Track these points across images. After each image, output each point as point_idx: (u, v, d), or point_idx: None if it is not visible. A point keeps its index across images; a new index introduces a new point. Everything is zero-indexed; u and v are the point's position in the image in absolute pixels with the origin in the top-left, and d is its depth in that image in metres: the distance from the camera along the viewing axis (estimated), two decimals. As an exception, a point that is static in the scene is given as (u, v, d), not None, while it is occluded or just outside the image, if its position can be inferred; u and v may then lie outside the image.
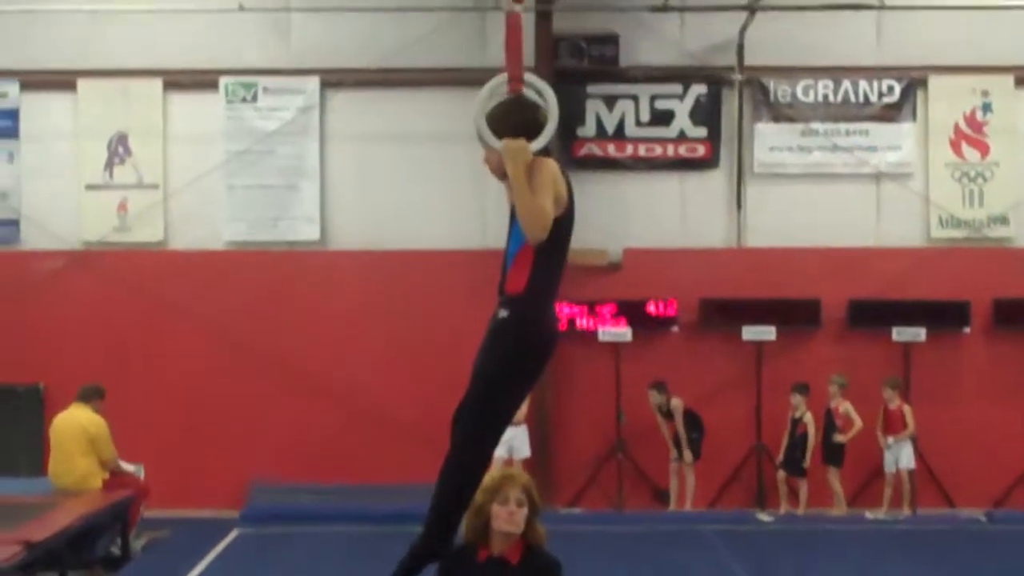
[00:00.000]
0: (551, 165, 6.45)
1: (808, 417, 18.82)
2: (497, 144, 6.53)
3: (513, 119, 6.52)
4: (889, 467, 18.94)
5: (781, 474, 19.03)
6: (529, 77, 6.99)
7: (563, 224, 6.48)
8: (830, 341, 19.82)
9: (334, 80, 19.85)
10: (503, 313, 6.54)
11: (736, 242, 20.09)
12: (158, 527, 16.96)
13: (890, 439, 18.86)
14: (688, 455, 18.86)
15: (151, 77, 19.89)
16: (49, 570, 12.94)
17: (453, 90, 19.28)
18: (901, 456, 18.82)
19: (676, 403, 18.88)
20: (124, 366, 18.95)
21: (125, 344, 19.41)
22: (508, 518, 6.87)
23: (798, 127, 20.07)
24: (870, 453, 19.01)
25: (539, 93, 6.87)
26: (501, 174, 6.52)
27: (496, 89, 6.93)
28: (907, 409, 18.89)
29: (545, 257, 6.44)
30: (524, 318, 6.49)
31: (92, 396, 15.72)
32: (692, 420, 18.97)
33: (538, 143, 6.56)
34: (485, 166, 6.67)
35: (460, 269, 19.15)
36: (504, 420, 6.78)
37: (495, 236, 18.88)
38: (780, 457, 19.09)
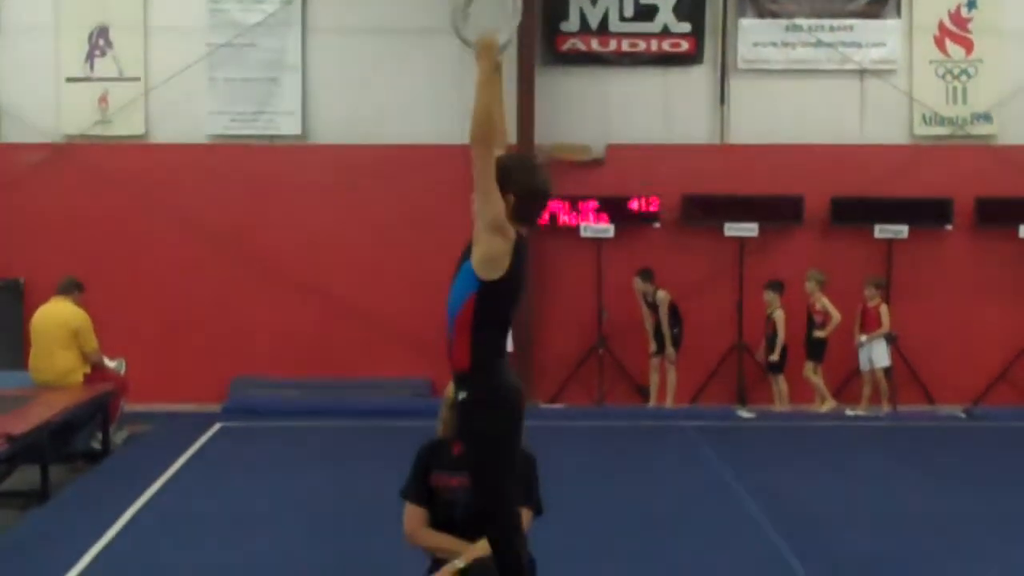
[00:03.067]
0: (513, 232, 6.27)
1: (778, 315, 18.90)
2: (471, 38, 6.46)
3: (521, 181, 6.33)
4: (864, 365, 19.05)
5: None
6: None
7: (505, 288, 6.29)
8: (812, 238, 19.83)
9: (316, -29, 19.74)
10: (461, 395, 6.43)
11: (719, 138, 20.04)
12: (139, 421, 17.02)
13: (863, 337, 18.94)
14: (671, 351, 18.90)
15: (131, -34, 19.76)
16: (30, 463, 12.96)
17: (436, -17, 19.19)
18: (874, 354, 18.92)
19: (663, 295, 18.89)
20: (105, 260, 18.95)
21: (106, 238, 19.39)
22: None
23: (782, 22, 19.98)
24: (852, 351, 19.06)
25: None
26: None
27: None
28: (884, 308, 18.95)
29: (485, 322, 6.27)
30: (482, 401, 6.38)
31: (72, 289, 15.69)
32: (674, 315, 19.00)
33: (504, 33, 6.51)
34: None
35: (442, 164, 19.05)
36: (509, 495, 6.70)
37: (477, 131, 18.85)
38: (760, 354, 19.18)
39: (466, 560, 6.90)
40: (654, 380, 19.23)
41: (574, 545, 9.67)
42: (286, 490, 13.39)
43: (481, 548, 6.93)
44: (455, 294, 6.27)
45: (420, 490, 7.24)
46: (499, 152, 6.38)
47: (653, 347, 19.09)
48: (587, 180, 19.40)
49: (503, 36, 6.53)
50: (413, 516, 7.22)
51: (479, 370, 6.30)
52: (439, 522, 7.16)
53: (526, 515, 7.08)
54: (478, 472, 6.59)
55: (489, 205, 6.05)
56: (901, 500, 12.92)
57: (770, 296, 18.94)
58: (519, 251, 6.20)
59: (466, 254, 6.23)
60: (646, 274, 18.94)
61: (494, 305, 6.14)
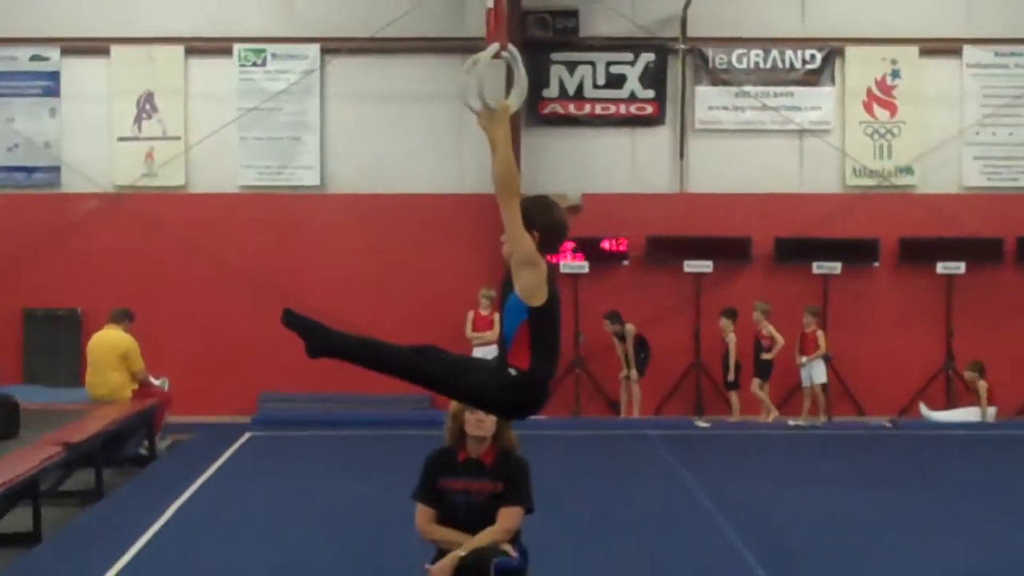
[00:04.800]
0: (544, 263, 6.08)
1: (730, 338, 18.91)
2: (477, 104, 6.41)
3: (542, 218, 6.13)
4: (805, 382, 19.01)
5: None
6: (510, 48, 6.92)
7: (548, 310, 6.05)
8: (759, 274, 19.84)
9: (333, 47, 19.70)
10: (512, 372, 6.02)
11: (679, 188, 20.04)
12: (180, 431, 17.00)
13: (803, 358, 18.92)
14: (634, 373, 18.94)
15: (174, 44, 19.77)
16: (86, 467, 12.96)
17: (435, 56, 19.26)
18: (813, 373, 18.90)
19: (630, 328, 18.94)
20: (150, 293, 18.91)
21: (152, 274, 19.37)
22: (476, 424, 7.16)
23: (733, 89, 20.00)
24: (793, 370, 19.07)
25: (514, 58, 6.80)
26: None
27: (489, 57, 6.85)
28: (820, 334, 18.94)
29: (539, 342, 6.02)
30: (524, 387, 6.01)
31: (122, 318, 15.74)
32: (641, 343, 19.01)
33: (515, 101, 6.49)
34: (479, 127, 6.13)
35: (439, 210, 19.24)
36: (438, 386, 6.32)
37: (471, 182, 18.94)
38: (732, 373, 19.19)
39: (466, 550, 6.92)
40: (624, 397, 19.23)
41: (555, 536, 9.65)
42: (308, 490, 13.38)
43: (479, 540, 6.95)
44: (507, 323, 6.12)
45: (429, 492, 7.26)
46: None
47: (624, 371, 19.10)
48: (565, 224, 19.38)
49: (512, 103, 6.51)
50: (423, 515, 7.25)
51: (534, 374, 5.99)
52: (444, 519, 7.19)
53: (519, 513, 7.11)
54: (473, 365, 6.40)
55: (521, 243, 6.00)
56: (833, 499, 12.93)
57: (724, 322, 18.93)
58: (552, 277, 6.17)
59: (507, 285, 6.15)
60: (613, 316, 18.96)
61: (544, 325, 6.08)
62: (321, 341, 6.27)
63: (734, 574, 9.74)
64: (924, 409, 19.01)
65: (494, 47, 6.63)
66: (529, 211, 6.04)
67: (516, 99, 6.54)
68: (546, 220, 6.14)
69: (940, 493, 13.45)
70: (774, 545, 10.68)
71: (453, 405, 7.12)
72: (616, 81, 20.00)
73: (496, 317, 18.32)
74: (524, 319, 6.00)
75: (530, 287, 6.00)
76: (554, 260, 18.59)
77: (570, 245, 19.28)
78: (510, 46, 6.81)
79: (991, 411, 18.75)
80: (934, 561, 10.27)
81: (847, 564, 10.14)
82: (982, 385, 18.78)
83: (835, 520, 11.78)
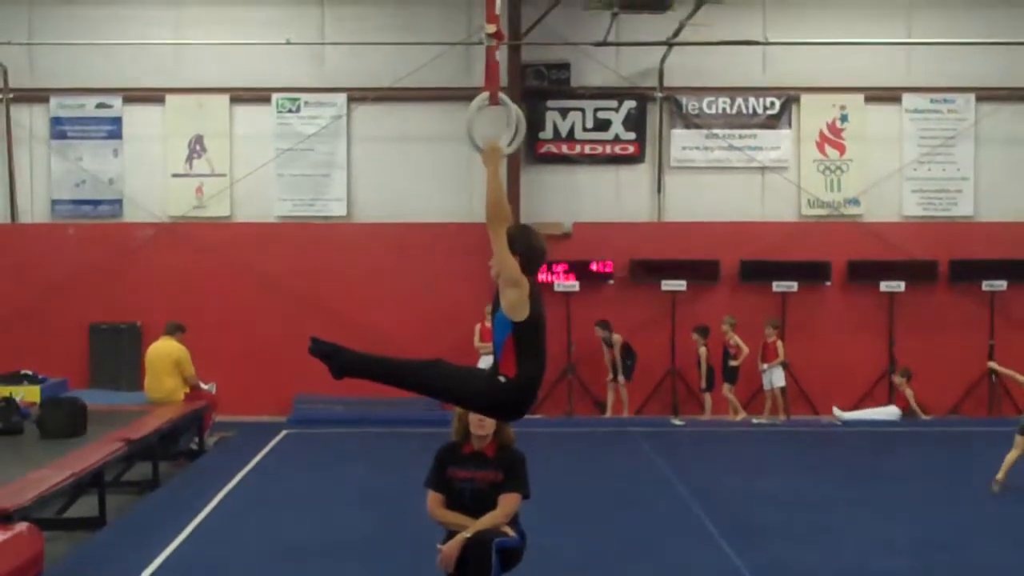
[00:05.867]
0: (527, 282, 6.12)
1: (702, 351, 18.95)
2: (481, 143, 6.49)
3: (523, 243, 6.19)
4: (766, 386, 19.03)
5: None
6: (502, 96, 7.01)
7: (531, 324, 6.13)
8: (726, 292, 19.84)
9: (358, 96, 19.74)
10: (502, 379, 6.12)
11: (657, 217, 20.07)
12: (226, 429, 17.06)
13: (764, 365, 18.95)
14: (622, 377, 18.99)
15: (220, 93, 19.82)
16: (145, 460, 13.03)
17: (446, 103, 19.25)
18: (773, 378, 18.92)
19: (617, 337, 18.95)
20: (200, 308, 18.88)
21: (201, 293, 19.37)
22: (479, 424, 7.28)
23: (703, 132, 20.03)
24: (756, 376, 19.11)
25: (506, 105, 6.89)
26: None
27: (480, 103, 6.93)
28: (779, 344, 18.95)
29: (524, 351, 6.11)
30: (512, 391, 6.12)
31: (176, 330, 15.74)
32: (627, 351, 19.02)
33: (511, 146, 6.57)
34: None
35: (449, 236, 19.28)
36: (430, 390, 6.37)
37: (478, 212, 18.87)
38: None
39: (472, 531, 7.01)
40: (610, 398, 19.23)
41: (548, 518, 9.73)
42: (336, 480, 13.45)
43: (482, 523, 7.03)
44: (496, 336, 6.24)
45: (439, 480, 7.33)
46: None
47: (611, 375, 19.14)
48: (559, 249, 19.42)
49: (508, 143, 6.57)
50: (434, 500, 7.32)
51: (523, 379, 6.12)
52: (452, 504, 7.26)
53: (517, 499, 7.19)
54: (467, 375, 6.41)
55: (506, 266, 6.09)
56: (792, 486, 12.99)
57: (696, 337, 18.98)
58: (536, 295, 6.24)
59: (496, 303, 6.26)
60: (604, 324, 19.00)
61: (527, 337, 6.15)
62: (341, 364, 6.36)
63: (704, 547, 9.85)
64: (836, 411, 19.04)
65: (484, 96, 6.74)
66: (512, 237, 6.13)
67: (507, 140, 6.59)
68: (526, 245, 6.22)
69: (884, 479, 13.56)
70: (736, 521, 10.79)
71: (459, 409, 7.22)
72: (603, 125, 20.05)
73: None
74: (510, 332, 6.11)
75: (514, 304, 6.09)
76: (546, 280, 18.83)
77: (563, 267, 19.40)
78: (503, 95, 6.89)
79: (892, 411, 18.89)
80: (878, 535, 10.40)
81: (804, 539, 10.25)
82: (908, 391, 18.91)
83: (793, 503, 11.88)
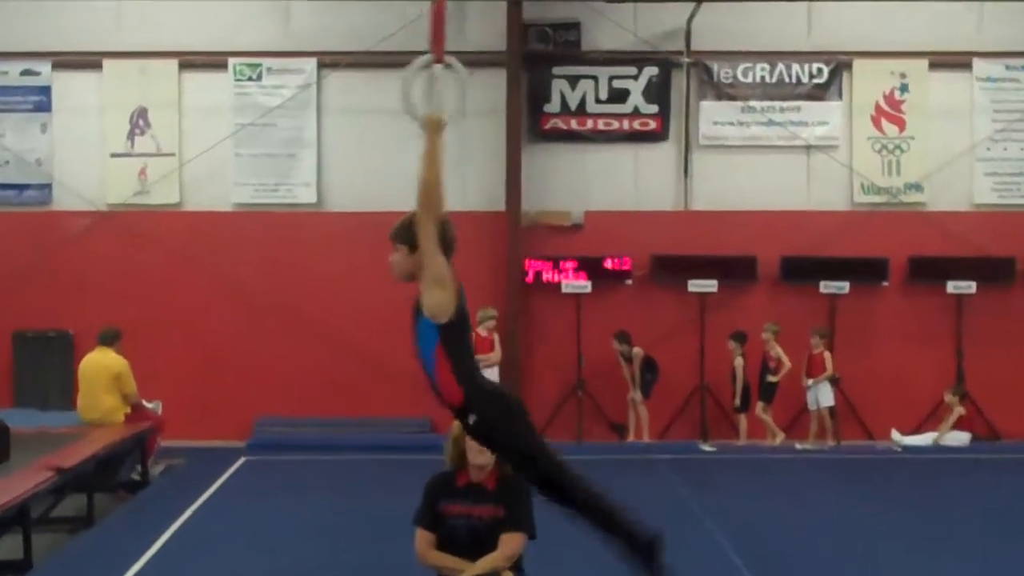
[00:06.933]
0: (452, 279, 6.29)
1: (738, 362, 18.98)
2: (420, 115, 6.50)
3: (444, 235, 6.33)
4: (811, 405, 19.04)
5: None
6: (450, 58, 6.95)
7: (458, 323, 6.28)
8: (765, 293, 19.88)
9: (329, 62, 19.77)
10: (471, 420, 6.31)
11: (683, 206, 20.09)
12: (174, 456, 17.02)
13: (810, 380, 18.95)
14: (638, 394, 18.98)
15: (168, 58, 19.81)
16: (79, 492, 12.99)
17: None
18: (820, 395, 18.93)
19: (637, 351, 18.97)
20: (143, 314, 18.91)
21: (145, 295, 19.39)
22: (478, 451, 7.16)
23: (738, 104, 20.06)
24: (800, 393, 19.08)
25: (452, 67, 6.85)
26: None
27: (423, 64, 6.89)
28: (827, 355, 18.97)
29: (457, 356, 6.23)
30: (488, 405, 6.31)
31: (112, 339, 15.67)
32: (649, 365, 19.04)
33: (446, 113, 6.55)
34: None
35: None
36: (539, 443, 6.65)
37: (473, 199, 18.91)
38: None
39: (467, 577, 6.96)
40: (632, 418, 19.26)
41: (555, 563, 9.67)
42: (304, 515, 13.41)
43: (480, 567, 6.99)
44: (424, 350, 6.24)
45: (429, 517, 7.30)
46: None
47: (632, 392, 19.14)
48: (567, 242, 19.47)
49: (449, 107, 6.57)
50: (423, 540, 7.30)
51: (472, 392, 6.25)
52: (445, 544, 7.23)
53: (521, 539, 7.16)
54: (512, 445, 6.52)
55: (436, 263, 6.13)
56: (842, 522, 12.95)
57: (733, 345, 18.99)
58: (461, 293, 6.29)
59: (417, 314, 6.28)
60: (622, 336, 19.00)
61: (457, 339, 6.19)
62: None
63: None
64: (895, 434, 19.02)
65: (427, 57, 6.69)
66: (442, 229, 6.17)
67: (447, 111, 6.58)
68: (451, 238, 6.28)
69: (950, 512, 13.53)
70: (780, 569, 10.73)
71: (453, 428, 7.17)
72: (619, 96, 20.06)
73: (496, 338, 18.42)
74: (437, 339, 6.12)
75: (439, 304, 6.14)
76: (555, 279, 18.86)
77: (572, 264, 19.42)
78: (449, 56, 6.85)
79: (960, 436, 18.87)
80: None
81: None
82: (958, 410, 18.93)
83: (845, 548, 11.81)
